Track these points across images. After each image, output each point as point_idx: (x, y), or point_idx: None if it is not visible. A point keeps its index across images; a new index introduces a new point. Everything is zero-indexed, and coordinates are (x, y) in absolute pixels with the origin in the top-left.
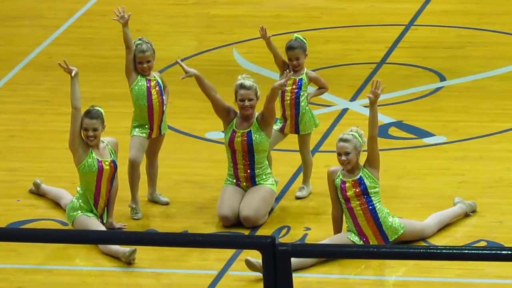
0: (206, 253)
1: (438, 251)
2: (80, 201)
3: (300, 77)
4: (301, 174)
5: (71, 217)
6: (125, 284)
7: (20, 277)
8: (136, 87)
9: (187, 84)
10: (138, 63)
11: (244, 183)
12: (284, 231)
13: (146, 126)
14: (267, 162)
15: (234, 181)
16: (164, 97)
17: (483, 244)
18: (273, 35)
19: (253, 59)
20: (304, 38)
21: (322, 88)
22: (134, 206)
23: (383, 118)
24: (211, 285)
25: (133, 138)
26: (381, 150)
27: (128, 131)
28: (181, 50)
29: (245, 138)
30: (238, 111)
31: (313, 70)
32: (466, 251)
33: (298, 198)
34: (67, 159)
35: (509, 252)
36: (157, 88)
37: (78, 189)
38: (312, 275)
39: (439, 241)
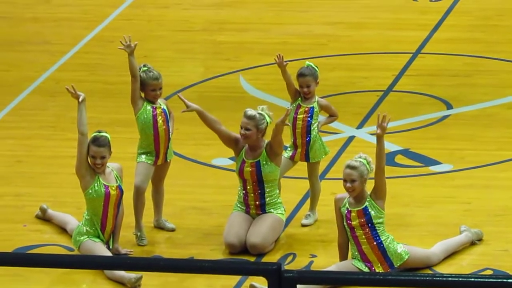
0: (212, 280)
1: (444, 279)
2: (87, 226)
3: (312, 105)
4: (308, 201)
5: (77, 242)
6: None
7: None
8: (142, 116)
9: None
10: (151, 90)
11: (254, 211)
12: (290, 258)
13: (152, 153)
14: (277, 191)
15: (244, 208)
16: (170, 124)
17: (489, 272)
18: (274, 63)
19: (259, 85)
20: (316, 66)
21: (332, 116)
22: (138, 233)
23: (389, 146)
24: None
25: (139, 164)
26: (387, 178)
27: (134, 157)
28: (188, 77)
29: (254, 168)
30: None
31: (320, 97)
32: (472, 279)
33: (304, 225)
34: (73, 185)
35: None
36: (162, 115)
37: (85, 214)
38: None
39: (445, 269)
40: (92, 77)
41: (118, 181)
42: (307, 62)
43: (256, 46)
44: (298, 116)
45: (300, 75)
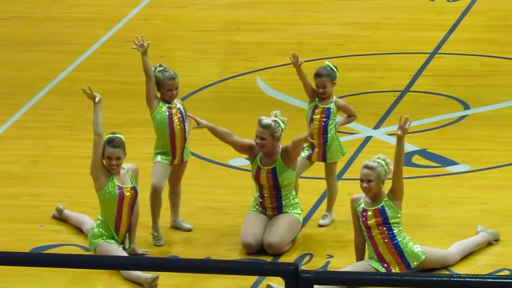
0: (229, 280)
1: (461, 279)
2: (101, 228)
3: (329, 105)
4: (325, 202)
5: (93, 245)
6: None
7: None
8: (158, 115)
9: (210, 110)
10: (168, 90)
11: (271, 212)
12: (306, 258)
13: (169, 153)
14: (294, 193)
15: (260, 209)
16: (186, 124)
17: (506, 273)
18: (290, 64)
19: (276, 86)
20: (335, 67)
21: (351, 117)
22: (155, 234)
23: (407, 146)
24: None
25: (156, 164)
26: (404, 178)
27: (150, 157)
28: (205, 77)
29: (270, 175)
30: None
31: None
32: (490, 280)
33: (321, 226)
34: (89, 185)
35: None
36: (178, 115)
37: (99, 215)
38: None
39: (461, 269)
40: (108, 77)
41: (133, 182)
42: (326, 62)
43: (272, 46)
44: (314, 117)
45: (317, 75)
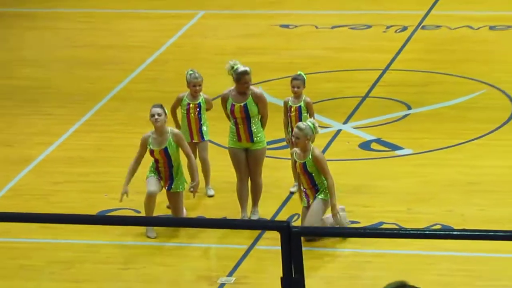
0: (241, 233)
1: (407, 232)
2: (152, 168)
3: (299, 104)
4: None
5: (146, 178)
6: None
7: (107, 250)
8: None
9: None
10: (192, 86)
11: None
12: (295, 217)
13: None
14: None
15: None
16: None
17: (438, 227)
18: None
19: (273, 93)
20: (305, 75)
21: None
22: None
23: (367, 136)
24: (244, 255)
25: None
26: (364, 159)
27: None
28: (222, 87)
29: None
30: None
31: (316, 102)
32: (427, 232)
33: (292, 193)
34: (142, 164)
35: (458, 233)
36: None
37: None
38: (319, 249)
39: (407, 224)
40: (153, 88)
41: (166, 144)
42: (299, 71)
43: (271, 65)
44: (291, 114)
45: (294, 78)
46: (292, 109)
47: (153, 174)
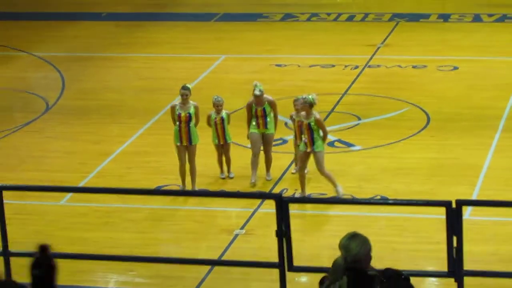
0: (249, 201)
1: (358, 200)
2: (176, 136)
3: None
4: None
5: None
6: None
7: (160, 211)
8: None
9: (241, 120)
10: (215, 106)
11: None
12: (285, 191)
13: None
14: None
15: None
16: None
17: (378, 197)
18: (280, 99)
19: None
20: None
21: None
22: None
23: (332, 137)
24: (251, 215)
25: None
26: (329, 153)
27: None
28: (239, 105)
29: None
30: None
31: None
32: (372, 201)
33: (294, 173)
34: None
35: (392, 201)
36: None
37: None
38: (305, 211)
39: (358, 195)
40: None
41: (189, 111)
42: (303, 95)
43: (271, 92)
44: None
45: (295, 100)
46: (296, 121)
47: (179, 143)
